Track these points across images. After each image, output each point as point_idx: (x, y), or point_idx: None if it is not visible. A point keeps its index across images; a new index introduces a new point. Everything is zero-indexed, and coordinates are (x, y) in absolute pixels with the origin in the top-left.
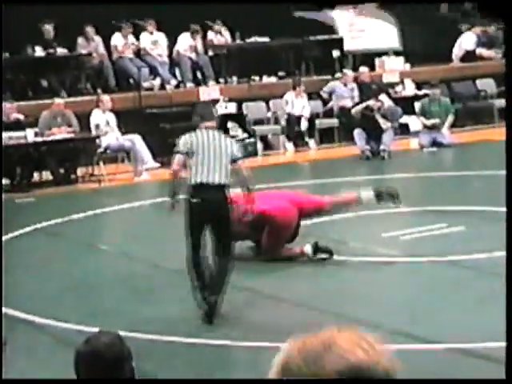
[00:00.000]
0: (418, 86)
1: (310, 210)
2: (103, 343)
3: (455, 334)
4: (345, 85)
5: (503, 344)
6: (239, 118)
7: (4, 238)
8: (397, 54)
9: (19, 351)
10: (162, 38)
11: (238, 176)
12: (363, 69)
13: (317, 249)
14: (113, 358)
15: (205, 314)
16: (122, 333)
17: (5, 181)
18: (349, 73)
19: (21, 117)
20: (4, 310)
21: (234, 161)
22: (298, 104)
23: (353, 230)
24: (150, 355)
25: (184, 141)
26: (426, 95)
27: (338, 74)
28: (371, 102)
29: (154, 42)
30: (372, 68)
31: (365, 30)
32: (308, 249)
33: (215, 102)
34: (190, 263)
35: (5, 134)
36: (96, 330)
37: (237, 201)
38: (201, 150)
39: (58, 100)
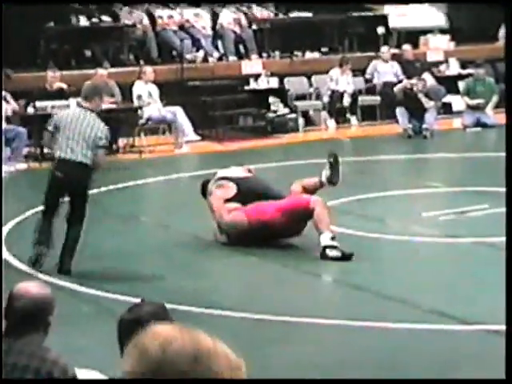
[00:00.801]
0: (463, 65)
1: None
2: (146, 312)
3: (493, 316)
4: (386, 62)
5: None
6: (281, 92)
7: None
8: (442, 32)
9: (60, 319)
10: (205, 10)
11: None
12: (406, 46)
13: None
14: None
15: (31, 259)
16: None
17: (46, 150)
18: (387, 50)
19: (64, 86)
20: (46, 278)
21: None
22: (342, 81)
23: (392, 209)
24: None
25: (55, 117)
26: (470, 75)
27: (383, 51)
28: (414, 81)
29: (197, 14)
30: (416, 46)
31: (410, 8)
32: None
33: (257, 76)
34: (37, 225)
35: (48, 103)
36: (135, 300)
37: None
38: (67, 127)
39: (101, 70)
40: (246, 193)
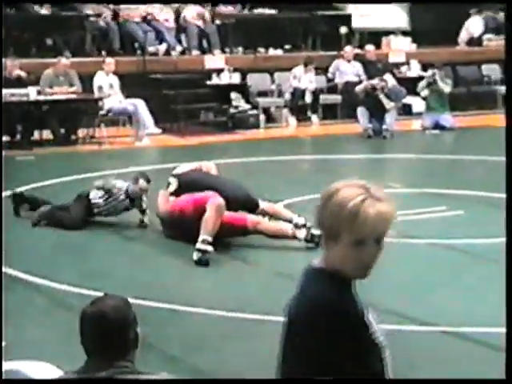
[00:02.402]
0: (424, 68)
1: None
2: (110, 306)
3: (450, 317)
4: (348, 61)
5: (498, 330)
6: (243, 88)
7: (2, 194)
8: (404, 33)
9: (14, 311)
10: (169, 4)
11: None
12: (369, 47)
13: (311, 237)
14: (118, 321)
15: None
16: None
17: (5, 138)
18: (350, 49)
19: (23, 74)
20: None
21: None
22: (304, 79)
23: None
24: (145, 322)
25: None
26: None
27: (346, 50)
28: (375, 82)
29: (161, 7)
30: (378, 47)
31: (373, 9)
32: (301, 235)
33: (220, 71)
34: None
35: (6, 91)
36: (92, 292)
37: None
38: None
39: (63, 60)
40: (185, 188)
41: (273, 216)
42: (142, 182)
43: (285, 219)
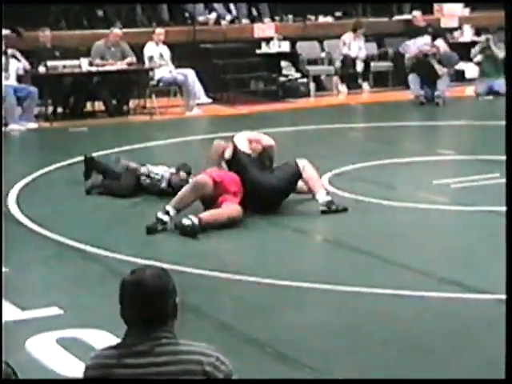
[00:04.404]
0: (477, 32)
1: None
2: (148, 274)
3: (504, 285)
4: None
5: None
6: (293, 57)
7: (55, 166)
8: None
9: (69, 279)
10: None
11: None
12: (415, 12)
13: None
14: (156, 289)
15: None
16: (170, 266)
17: (58, 109)
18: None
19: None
20: (56, 237)
21: None
22: (354, 46)
23: (403, 176)
24: (198, 290)
25: None
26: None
27: (396, 17)
28: (427, 48)
29: None
30: (431, 12)
31: None
32: (319, 198)
33: (269, 39)
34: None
35: (59, 62)
36: (146, 261)
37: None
38: None
39: (115, 30)
40: (233, 164)
41: (306, 182)
42: (182, 174)
43: (311, 189)
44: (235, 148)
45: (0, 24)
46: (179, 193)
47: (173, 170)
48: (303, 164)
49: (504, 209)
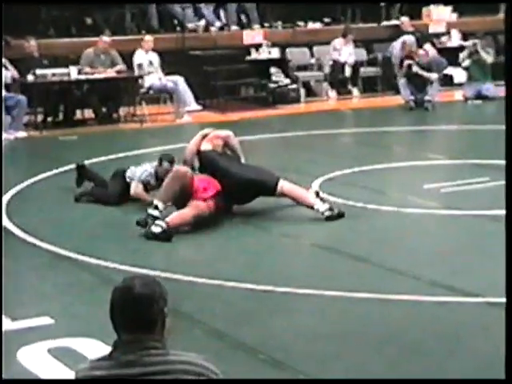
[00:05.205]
0: (465, 37)
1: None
2: (136, 282)
3: (496, 289)
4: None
5: None
6: (282, 63)
7: (45, 174)
8: (445, 3)
9: (60, 288)
10: None
11: None
12: (403, 18)
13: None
14: (142, 296)
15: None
16: (161, 273)
17: (48, 118)
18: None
19: (36, 54)
20: (47, 246)
21: None
22: (344, 51)
23: (394, 181)
24: (190, 297)
25: None
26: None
27: (384, 23)
28: (406, 62)
29: None
30: (419, 17)
31: None
32: (320, 207)
33: (259, 46)
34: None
35: (48, 71)
36: (136, 269)
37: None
38: None
39: (105, 37)
40: (204, 165)
41: (294, 200)
42: (165, 164)
43: (307, 205)
44: (199, 153)
45: (0, 24)
46: (163, 185)
47: (155, 163)
48: (282, 185)
49: (496, 212)
